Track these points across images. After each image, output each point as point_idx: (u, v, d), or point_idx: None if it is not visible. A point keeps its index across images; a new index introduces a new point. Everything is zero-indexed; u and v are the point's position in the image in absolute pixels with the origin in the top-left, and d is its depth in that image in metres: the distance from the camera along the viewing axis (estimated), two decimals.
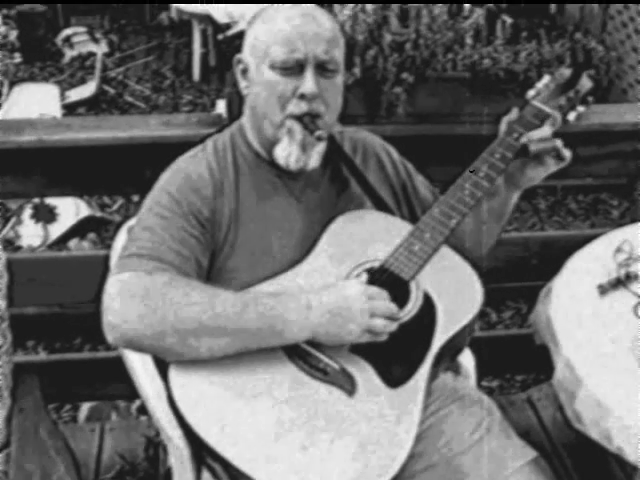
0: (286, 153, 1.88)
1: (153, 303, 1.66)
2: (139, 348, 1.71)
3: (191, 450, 1.85)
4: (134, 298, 1.67)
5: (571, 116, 1.99)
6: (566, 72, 2.02)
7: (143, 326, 1.65)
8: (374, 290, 1.74)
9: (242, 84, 1.93)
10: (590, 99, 2.00)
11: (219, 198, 1.88)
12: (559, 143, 1.89)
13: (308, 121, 1.86)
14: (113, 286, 1.71)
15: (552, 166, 1.93)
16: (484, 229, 2.05)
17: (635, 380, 1.86)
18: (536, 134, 1.90)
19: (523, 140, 1.91)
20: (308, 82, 1.83)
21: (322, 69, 1.85)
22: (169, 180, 1.89)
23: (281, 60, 1.82)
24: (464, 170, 1.94)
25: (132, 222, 2.00)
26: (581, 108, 1.99)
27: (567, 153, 1.90)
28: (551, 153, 1.90)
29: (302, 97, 1.84)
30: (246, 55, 1.90)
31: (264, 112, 1.88)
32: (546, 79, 2.03)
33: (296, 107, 1.85)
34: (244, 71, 1.92)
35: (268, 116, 1.87)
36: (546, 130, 1.90)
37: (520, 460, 1.88)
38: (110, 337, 1.69)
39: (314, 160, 1.91)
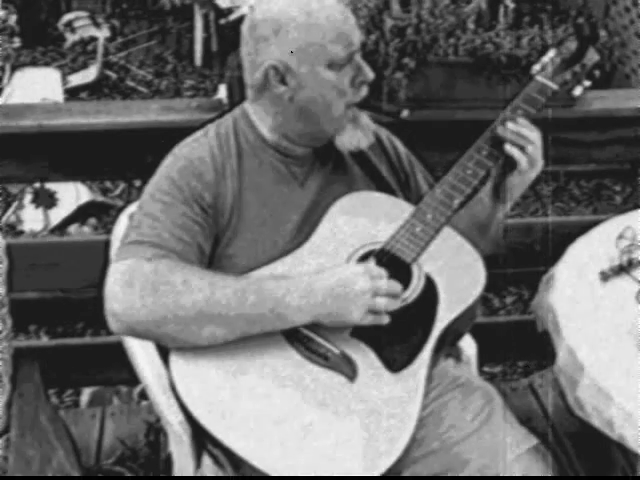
0: (355, 140, 1.92)
1: (154, 290, 1.66)
2: (141, 335, 1.72)
3: (191, 435, 1.85)
4: (135, 286, 1.67)
5: (577, 91, 1.97)
6: (572, 45, 1.99)
7: (144, 313, 1.65)
8: (376, 269, 1.74)
9: (279, 90, 1.85)
10: (597, 73, 1.98)
11: (221, 183, 1.87)
12: (530, 148, 1.88)
13: (375, 104, 1.90)
14: (115, 274, 1.70)
15: (527, 172, 1.91)
16: (470, 239, 2.02)
17: (637, 367, 1.85)
18: (513, 126, 1.90)
19: (498, 129, 1.90)
20: (367, 69, 1.88)
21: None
22: (171, 165, 1.88)
23: (341, 57, 1.82)
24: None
25: (133, 208, 2.00)
26: (587, 83, 1.97)
27: (528, 157, 1.89)
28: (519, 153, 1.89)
29: (363, 84, 1.89)
30: (287, 61, 1.82)
31: (326, 110, 1.87)
32: (551, 53, 2.00)
33: (356, 95, 1.89)
34: (282, 77, 1.84)
35: (331, 112, 1.87)
36: (524, 129, 1.90)
37: (521, 447, 1.87)
38: (112, 325, 1.69)
39: (371, 136, 1.95)
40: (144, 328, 1.67)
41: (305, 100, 1.86)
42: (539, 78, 1.96)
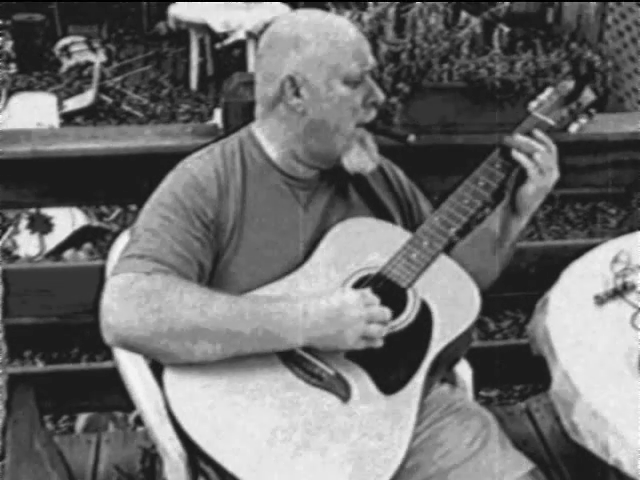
0: (362, 162, 1.93)
1: (150, 304, 1.66)
2: (135, 349, 1.71)
3: (187, 462, 1.85)
4: (132, 299, 1.67)
5: (573, 128, 1.99)
6: (568, 84, 2.02)
7: (140, 327, 1.65)
8: (371, 297, 1.75)
9: (293, 102, 1.87)
10: (592, 111, 2.00)
11: (224, 200, 1.87)
12: (538, 156, 1.89)
13: (383, 127, 1.97)
14: (112, 286, 1.71)
15: (538, 180, 1.91)
16: (483, 255, 2.04)
17: (632, 391, 1.85)
18: (521, 138, 1.91)
19: (506, 139, 1.92)
20: (379, 90, 1.92)
21: None
22: (174, 180, 1.89)
23: (356, 74, 1.86)
24: (461, 180, 1.94)
25: (126, 236, 2.00)
26: (583, 120, 1.99)
27: (537, 165, 1.90)
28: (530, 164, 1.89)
29: (373, 105, 1.92)
30: (304, 73, 1.85)
31: (337, 126, 1.89)
32: (548, 91, 2.03)
33: (366, 116, 1.92)
34: (297, 90, 1.86)
35: (341, 129, 1.89)
36: (532, 142, 1.91)
37: (517, 472, 1.87)
38: (107, 337, 1.69)
39: (376, 160, 1.97)
40: (138, 342, 1.67)
41: (317, 114, 1.87)
42: (536, 114, 1.97)
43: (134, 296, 1.67)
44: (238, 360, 1.71)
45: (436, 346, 1.79)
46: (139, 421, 3.31)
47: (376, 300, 1.75)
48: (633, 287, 2.14)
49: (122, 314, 1.66)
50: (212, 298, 1.70)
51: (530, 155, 1.89)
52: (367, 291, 1.77)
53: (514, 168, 1.93)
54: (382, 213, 2.05)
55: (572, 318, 2.08)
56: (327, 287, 1.85)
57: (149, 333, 1.65)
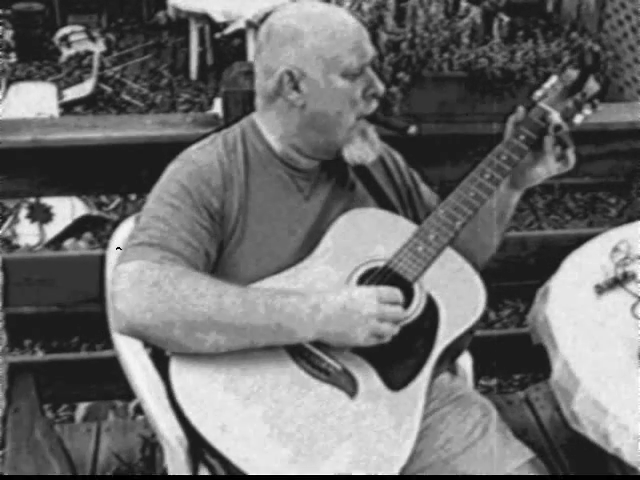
0: (363, 153, 1.92)
1: (163, 293, 1.65)
2: (145, 337, 1.70)
3: (187, 449, 1.85)
4: (144, 287, 1.66)
5: (577, 119, 1.98)
6: (573, 74, 2.01)
7: (152, 316, 1.64)
8: (385, 293, 1.74)
9: (292, 96, 1.86)
10: (597, 102, 1.99)
11: (229, 190, 1.87)
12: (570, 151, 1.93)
13: (384, 118, 1.95)
14: (122, 274, 1.70)
15: (553, 169, 1.94)
16: (484, 230, 2.04)
17: (633, 380, 1.85)
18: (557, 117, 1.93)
19: (552, 117, 1.93)
20: (379, 82, 1.90)
21: None
22: (179, 170, 1.88)
23: (355, 67, 1.85)
24: (462, 170, 1.93)
25: (130, 223, 2.00)
26: (587, 111, 1.98)
27: (572, 158, 1.94)
28: (557, 150, 1.92)
29: (373, 97, 1.90)
30: (302, 67, 1.84)
31: (337, 119, 1.88)
32: (553, 80, 2.01)
33: (367, 108, 1.91)
34: (296, 84, 1.85)
35: (342, 122, 1.88)
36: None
37: (517, 461, 1.87)
38: (116, 324, 1.68)
39: (377, 151, 1.96)
40: (149, 331, 1.66)
41: (317, 108, 1.87)
42: (542, 104, 1.97)
43: (146, 284, 1.66)
44: (245, 353, 1.71)
45: (442, 342, 1.79)
46: (139, 410, 3.32)
47: (396, 297, 1.75)
48: (633, 276, 2.15)
49: (134, 301, 1.65)
50: (225, 289, 1.70)
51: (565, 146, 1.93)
52: (384, 288, 1.76)
53: (520, 161, 1.93)
54: (384, 203, 2.04)
55: (572, 307, 2.08)
56: (334, 279, 1.85)
57: (160, 321, 1.64)
